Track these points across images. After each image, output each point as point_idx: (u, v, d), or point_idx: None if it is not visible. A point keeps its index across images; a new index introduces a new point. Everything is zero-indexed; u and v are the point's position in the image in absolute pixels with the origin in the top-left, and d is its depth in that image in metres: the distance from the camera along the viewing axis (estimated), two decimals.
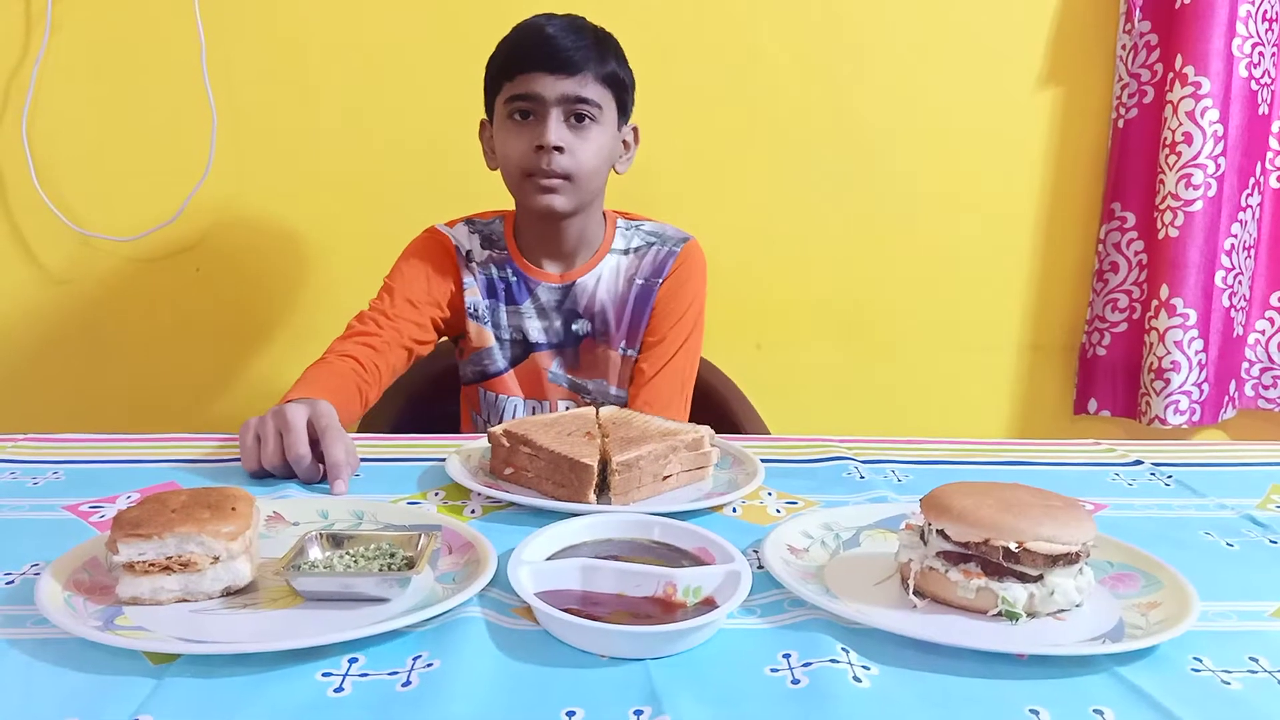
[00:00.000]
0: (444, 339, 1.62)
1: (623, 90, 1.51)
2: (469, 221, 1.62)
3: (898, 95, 2.15)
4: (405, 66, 2.04)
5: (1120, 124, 2.17)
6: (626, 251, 1.61)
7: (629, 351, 1.60)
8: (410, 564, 0.82)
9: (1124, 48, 2.15)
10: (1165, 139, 2.12)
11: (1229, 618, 0.82)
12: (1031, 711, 0.66)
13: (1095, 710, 0.67)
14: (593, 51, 1.45)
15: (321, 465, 1.10)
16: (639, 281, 1.59)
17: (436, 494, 1.06)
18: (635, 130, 1.59)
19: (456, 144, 2.03)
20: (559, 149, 1.43)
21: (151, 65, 1.99)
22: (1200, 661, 0.74)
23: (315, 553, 0.84)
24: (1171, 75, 2.09)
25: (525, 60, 1.44)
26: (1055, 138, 2.20)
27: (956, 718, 0.66)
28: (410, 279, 1.54)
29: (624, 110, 1.53)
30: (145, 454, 1.18)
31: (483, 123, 1.57)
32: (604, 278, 1.58)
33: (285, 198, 2.06)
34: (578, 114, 1.44)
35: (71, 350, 2.09)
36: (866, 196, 2.19)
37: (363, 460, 1.17)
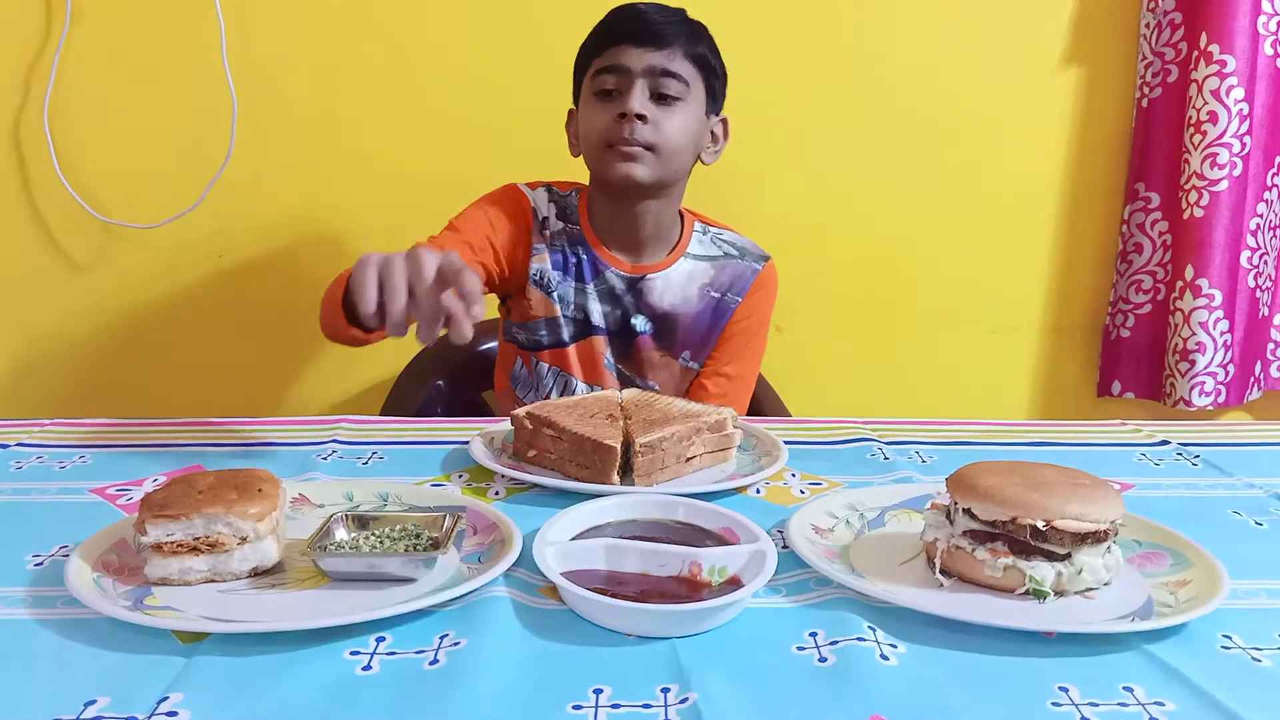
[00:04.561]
0: (488, 292, 1.57)
1: (712, 76, 1.50)
2: (548, 188, 1.58)
3: (919, 75, 2.13)
4: (427, 50, 2.03)
5: (1144, 103, 2.15)
6: (701, 258, 1.58)
7: (692, 363, 1.58)
8: (435, 545, 0.82)
9: (1147, 26, 2.13)
10: (1190, 118, 2.10)
11: (1258, 595, 0.81)
12: (1061, 689, 0.66)
13: (1125, 687, 0.66)
14: (683, 28, 1.45)
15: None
16: (714, 294, 1.57)
17: (460, 476, 1.06)
18: (725, 123, 1.57)
19: (482, 130, 2.03)
20: (642, 117, 1.40)
21: (171, 52, 1.99)
22: (1230, 639, 0.74)
23: (341, 534, 0.85)
24: (1196, 53, 2.07)
25: (614, 34, 1.44)
26: (1078, 118, 2.18)
27: (985, 695, 0.65)
28: (475, 225, 1.51)
29: (713, 98, 1.52)
30: (171, 438, 1.18)
31: (570, 112, 1.56)
32: (674, 281, 1.55)
33: (306, 183, 2.06)
34: (664, 90, 1.42)
35: (94, 337, 2.10)
36: (888, 178, 2.17)
37: (388, 444, 1.17)
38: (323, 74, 2.03)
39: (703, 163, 1.55)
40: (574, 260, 1.54)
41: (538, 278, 1.54)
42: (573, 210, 1.56)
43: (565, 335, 1.55)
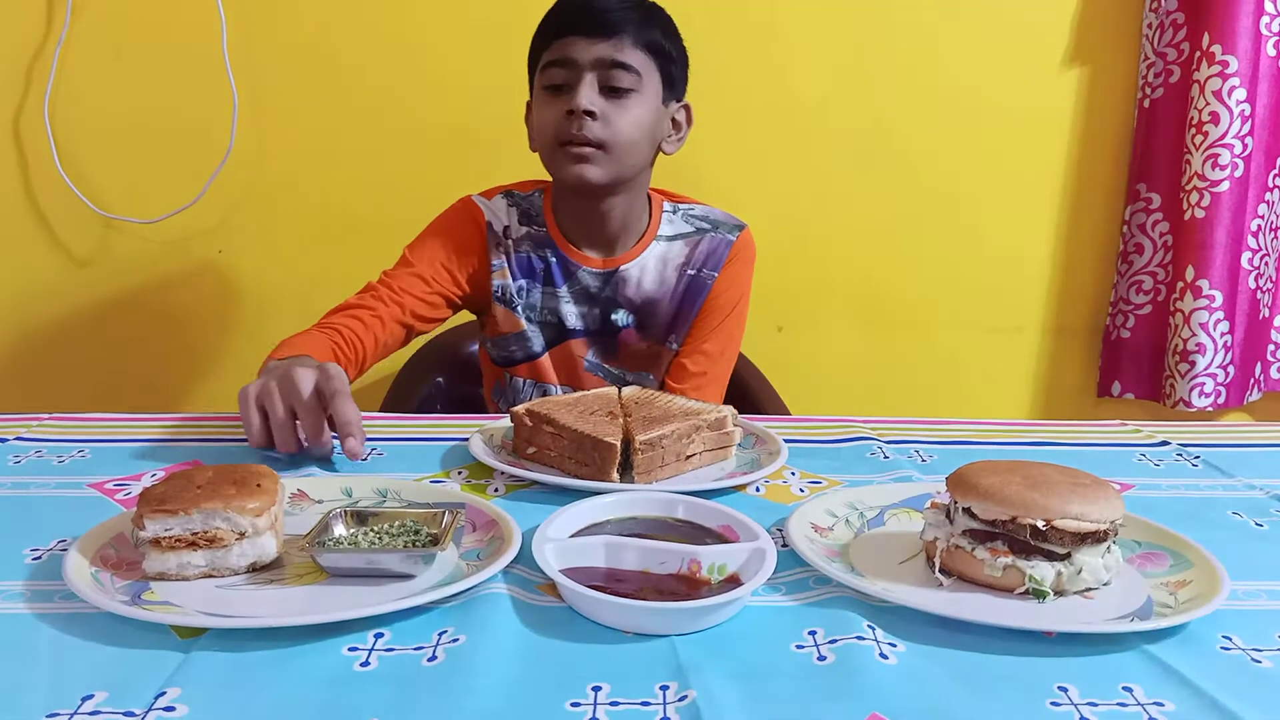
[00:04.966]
0: (455, 313, 1.55)
1: (668, 62, 1.43)
2: (508, 194, 1.53)
3: (921, 75, 2.14)
4: (428, 44, 2.03)
5: (1146, 104, 2.15)
6: (674, 238, 1.54)
7: (676, 346, 1.55)
8: (434, 541, 0.82)
9: (1150, 26, 2.12)
10: (1192, 119, 2.10)
11: (1258, 596, 0.81)
12: (1060, 688, 0.66)
13: (1124, 687, 0.66)
14: (634, 13, 1.38)
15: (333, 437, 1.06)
16: (690, 273, 1.52)
17: (460, 473, 1.06)
18: (688, 110, 1.50)
19: (482, 123, 2.03)
20: (590, 113, 1.35)
21: (172, 47, 2.00)
22: (1230, 640, 0.73)
23: (340, 529, 0.84)
24: (1199, 54, 2.07)
25: (561, 24, 1.39)
26: (1080, 118, 2.18)
27: (985, 694, 0.65)
28: (428, 254, 1.48)
29: (671, 85, 1.45)
30: (169, 433, 1.18)
31: (528, 104, 1.50)
32: (649, 267, 1.52)
33: (307, 179, 2.06)
34: (615, 82, 1.37)
35: (94, 332, 2.10)
36: (889, 178, 2.17)
37: (387, 440, 1.17)
38: (324, 69, 2.03)
39: (664, 153, 1.49)
40: (541, 265, 1.51)
41: (500, 293, 1.51)
42: (537, 211, 1.52)
43: (537, 346, 1.53)
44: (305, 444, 1.07)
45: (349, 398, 1.06)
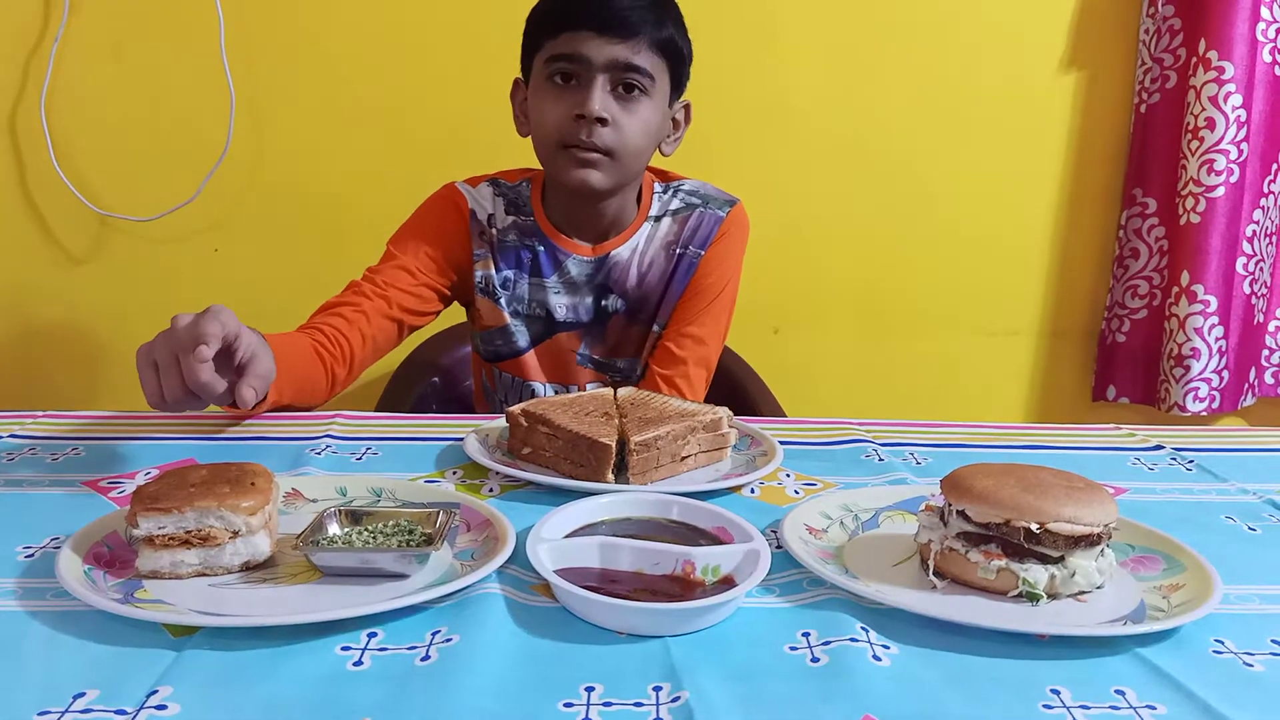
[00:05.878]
0: (447, 305, 1.52)
1: (679, 61, 1.38)
2: (494, 182, 1.49)
3: (919, 78, 2.14)
4: (425, 44, 2.03)
5: (1142, 109, 2.16)
6: (663, 216, 1.49)
7: (660, 329, 1.50)
8: (428, 540, 0.82)
9: (1147, 32, 2.13)
10: (1188, 124, 2.10)
11: (1251, 600, 0.81)
12: (1053, 691, 0.66)
13: (1117, 690, 0.66)
14: (650, 13, 1.32)
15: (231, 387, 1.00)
16: (679, 251, 1.47)
17: (455, 473, 1.06)
18: (687, 108, 1.46)
19: (480, 123, 2.03)
20: (602, 120, 1.30)
21: (170, 45, 1.99)
22: (1222, 643, 0.73)
23: (334, 529, 0.84)
24: (1195, 60, 2.07)
25: (573, 16, 1.31)
26: (1077, 123, 2.18)
27: (977, 697, 0.65)
28: (411, 246, 1.44)
29: (677, 84, 1.40)
30: (164, 431, 1.18)
31: (517, 82, 1.44)
32: (639, 248, 1.47)
33: (303, 178, 2.06)
34: (627, 83, 1.32)
35: (90, 330, 2.10)
36: (886, 181, 2.18)
37: (382, 439, 1.17)
38: (321, 67, 2.03)
39: (661, 153, 1.45)
40: (529, 256, 1.46)
41: (483, 285, 1.47)
42: (525, 201, 1.47)
43: (521, 342, 1.49)
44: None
45: (216, 318, 0.98)
